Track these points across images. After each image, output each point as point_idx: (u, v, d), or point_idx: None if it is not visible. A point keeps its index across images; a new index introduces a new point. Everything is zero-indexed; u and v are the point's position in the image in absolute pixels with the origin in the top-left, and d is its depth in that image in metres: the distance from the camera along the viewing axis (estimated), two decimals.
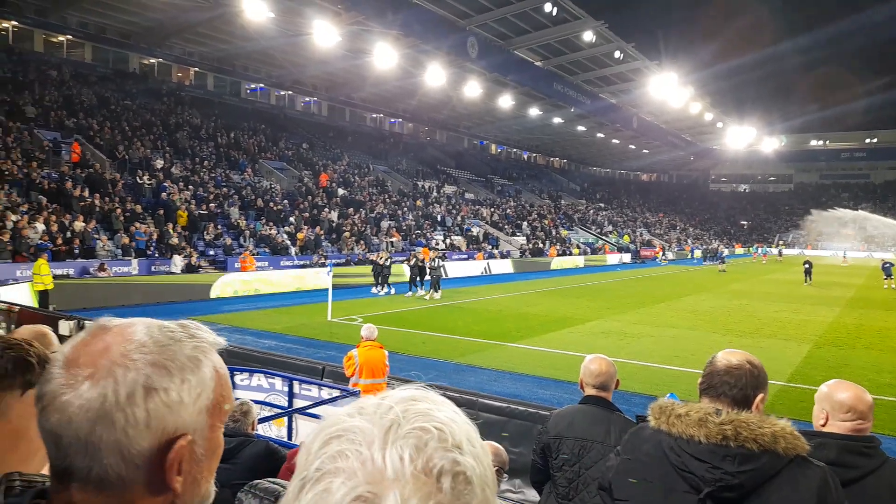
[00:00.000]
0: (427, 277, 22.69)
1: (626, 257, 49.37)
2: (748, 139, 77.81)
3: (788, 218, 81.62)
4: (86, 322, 10.76)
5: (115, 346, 0.75)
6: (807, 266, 31.65)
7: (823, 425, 2.30)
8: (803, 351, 13.45)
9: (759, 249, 62.68)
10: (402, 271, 25.15)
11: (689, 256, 57.01)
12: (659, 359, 12.29)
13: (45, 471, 1.16)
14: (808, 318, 18.70)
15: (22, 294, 15.56)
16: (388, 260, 23.97)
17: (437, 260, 23.39)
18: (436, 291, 22.10)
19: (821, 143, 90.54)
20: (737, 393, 1.87)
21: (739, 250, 69.20)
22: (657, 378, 10.77)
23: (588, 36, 38.37)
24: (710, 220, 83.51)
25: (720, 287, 28.85)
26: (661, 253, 51.56)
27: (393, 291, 23.08)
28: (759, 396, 1.89)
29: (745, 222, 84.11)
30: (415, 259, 23.56)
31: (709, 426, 1.76)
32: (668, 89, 48.50)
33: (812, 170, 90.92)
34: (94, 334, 0.78)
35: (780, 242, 72.12)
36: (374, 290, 23.23)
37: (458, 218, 41.68)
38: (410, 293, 22.54)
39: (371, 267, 24.28)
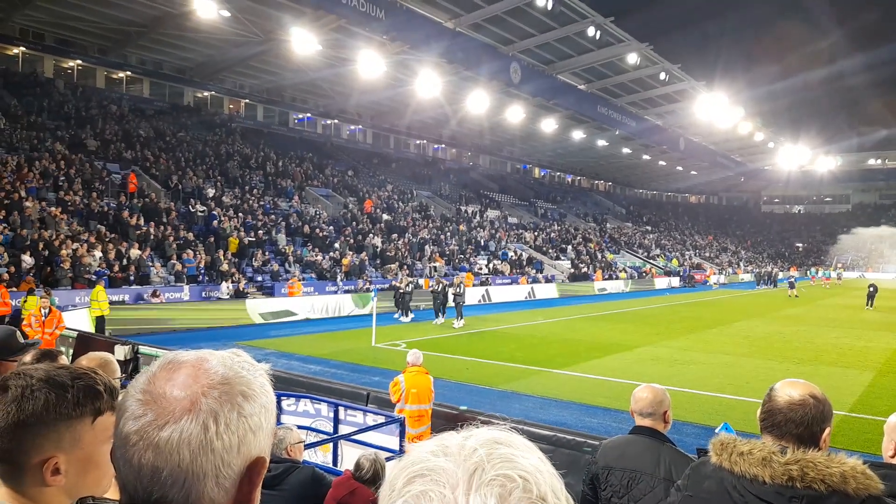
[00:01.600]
0: (450, 304, 21.88)
1: (675, 281, 48.24)
2: (801, 159, 75.48)
3: (846, 240, 78.50)
4: (140, 347, 11.09)
5: (201, 379, 0.79)
6: (871, 290, 30.13)
7: (893, 456, 2.20)
8: (866, 379, 12.80)
9: (819, 272, 60.30)
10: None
11: (744, 280, 55.30)
12: (711, 387, 11.87)
13: (111, 494, 1.19)
14: (870, 344, 17.82)
15: (81, 319, 16.18)
16: (410, 286, 23.52)
17: (461, 286, 22.23)
18: (459, 319, 21.17)
19: (879, 161, 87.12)
20: (802, 431, 1.80)
21: (794, 273, 66.82)
22: (709, 407, 10.39)
23: (632, 58, 38.15)
24: (762, 242, 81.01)
25: (774, 312, 27.84)
26: (712, 276, 50.20)
27: (411, 317, 22.61)
28: (826, 431, 1.82)
29: (799, 244, 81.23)
30: (441, 285, 22.69)
31: (773, 466, 1.70)
32: (716, 110, 47.62)
33: (871, 189, 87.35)
34: (172, 368, 0.81)
35: (839, 265, 69.31)
36: (396, 315, 22.82)
37: (502, 242, 41.59)
38: (437, 321, 21.80)
39: (392, 293, 23.83)
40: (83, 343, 11.82)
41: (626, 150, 61.40)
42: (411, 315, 22.90)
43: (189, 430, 0.75)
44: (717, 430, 1.97)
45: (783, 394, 1.88)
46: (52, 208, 21.71)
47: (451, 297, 21.86)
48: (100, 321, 16.52)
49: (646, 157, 65.02)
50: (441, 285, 22.57)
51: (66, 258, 18.97)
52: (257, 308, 21.45)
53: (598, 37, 34.89)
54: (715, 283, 48.68)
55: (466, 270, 33.43)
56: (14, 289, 16.75)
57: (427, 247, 34.94)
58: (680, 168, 72.64)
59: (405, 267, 30.54)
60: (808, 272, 62.77)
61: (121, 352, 10.71)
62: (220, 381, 0.79)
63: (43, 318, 11.79)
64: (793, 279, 41.42)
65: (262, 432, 0.81)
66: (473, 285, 31.77)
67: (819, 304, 32.48)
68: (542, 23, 33.79)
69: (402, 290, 23.11)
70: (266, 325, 20.59)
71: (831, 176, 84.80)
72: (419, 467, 0.54)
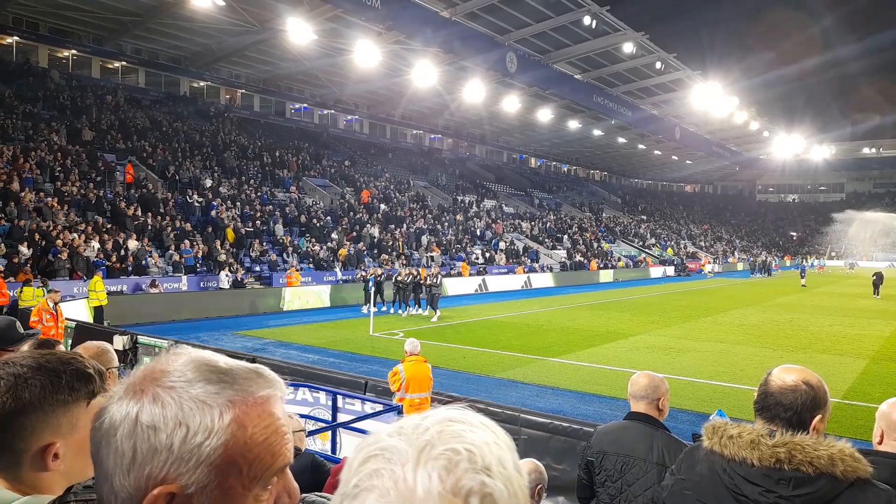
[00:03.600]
0: (422, 295, 20.95)
1: (670, 270, 48.45)
2: (796, 148, 75.65)
3: (840, 228, 78.82)
4: (139, 337, 11.17)
5: (148, 373, 0.73)
6: (875, 278, 29.73)
7: (879, 443, 2.25)
8: (859, 366, 12.96)
9: (813, 262, 60.65)
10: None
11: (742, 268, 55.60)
12: (706, 374, 12.02)
13: None
14: (864, 332, 18.00)
15: (78, 310, 16.22)
16: (381, 276, 22.35)
17: (438, 277, 20.99)
18: (435, 311, 20.28)
19: (873, 150, 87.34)
20: (791, 416, 1.81)
21: (788, 262, 67.18)
22: (704, 394, 10.54)
23: (628, 48, 38.10)
24: (757, 231, 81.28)
25: (768, 300, 28.03)
26: (707, 265, 50.45)
27: (384, 309, 21.42)
28: (817, 418, 1.82)
29: (794, 233, 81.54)
30: (411, 276, 21.29)
31: (761, 448, 1.72)
32: (711, 99, 47.71)
33: (865, 178, 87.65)
34: (155, 358, 0.77)
35: (833, 254, 69.63)
36: (363, 308, 21.31)
37: (498, 233, 41.67)
38: (403, 312, 20.92)
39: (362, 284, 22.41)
40: (82, 333, 11.89)
41: (621, 140, 61.40)
42: (381, 307, 21.37)
43: (107, 417, 0.71)
44: (711, 417, 2.03)
45: (777, 378, 1.88)
46: (49, 199, 21.68)
47: (423, 289, 20.84)
48: (98, 311, 16.57)
49: (641, 146, 65.05)
50: (410, 276, 21.33)
51: (64, 249, 18.99)
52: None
53: (593, 26, 34.83)
54: (710, 272, 48.91)
55: (462, 260, 33.55)
56: (11, 279, 16.78)
57: (424, 237, 35.01)
58: (675, 157, 72.71)
59: (403, 258, 30.62)
60: (808, 261, 62.82)
61: (119, 341, 10.79)
62: (158, 377, 0.72)
63: (53, 311, 11.82)
64: (804, 267, 41.08)
65: (176, 458, 0.68)
66: (470, 274, 31.90)
67: (812, 293, 32.68)
68: (538, 12, 33.70)
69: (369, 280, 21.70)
70: (264, 315, 20.67)
71: (826, 165, 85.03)
72: (374, 447, 0.57)
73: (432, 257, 32.61)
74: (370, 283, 20.36)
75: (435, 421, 0.59)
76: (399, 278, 21.57)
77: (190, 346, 0.82)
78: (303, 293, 23.18)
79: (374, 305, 20.67)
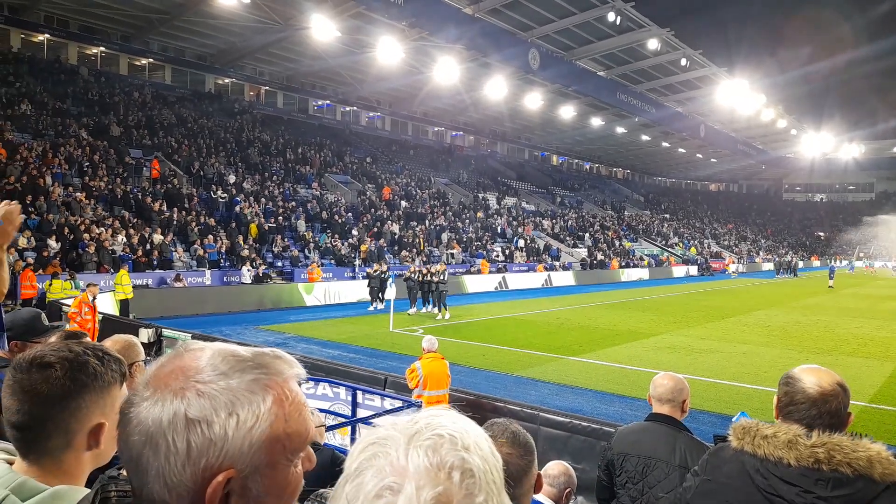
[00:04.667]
0: (421, 294, 20.33)
1: (693, 270, 47.88)
2: (825, 146, 74.13)
3: (869, 229, 77.21)
4: (163, 330, 11.34)
5: (178, 372, 0.77)
6: None
7: None
8: (887, 370, 12.69)
9: (854, 263, 59.53)
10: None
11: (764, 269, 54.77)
12: (728, 376, 11.86)
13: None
14: (893, 334, 17.62)
15: (105, 303, 16.51)
16: (387, 273, 21.84)
17: (444, 274, 20.13)
18: (443, 310, 19.65)
19: None
20: (835, 421, 1.79)
21: (816, 263, 66.00)
22: (726, 396, 10.40)
23: (653, 44, 37.62)
24: (782, 230, 79.95)
25: (794, 301, 27.56)
26: (731, 265, 49.75)
27: (381, 307, 20.79)
28: (851, 417, 1.82)
29: (821, 233, 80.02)
30: (419, 274, 20.67)
31: (799, 448, 1.70)
32: (738, 96, 46.90)
33: (895, 178, 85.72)
34: (171, 357, 0.80)
35: (861, 255, 68.24)
36: (370, 307, 21.18)
37: (519, 230, 41.54)
38: (414, 310, 20.17)
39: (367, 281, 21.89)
40: (108, 325, 12.10)
41: (645, 138, 60.76)
42: (387, 304, 20.20)
43: (141, 418, 0.74)
44: (734, 419, 2.00)
45: (812, 384, 1.84)
46: (78, 193, 22.10)
47: (432, 287, 20.09)
48: (124, 304, 16.87)
49: (665, 144, 64.30)
50: (416, 274, 20.66)
51: (91, 243, 19.34)
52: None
53: (618, 22, 34.44)
54: (733, 272, 48.23)
55: (483, 257, 33.50)
56: (40, 272, 17.16)
57: (444, 234, 35.03)
58: (700, 156, 71.75)
59: (421, 255, 30.67)
60: (848, 262, 61.58)
61: (144, 334, 10.97)
62: (192, 376, 0.76)
63: (92, 305, 12.02)
64: (833, 268, 39.90)
65: (233, 445, 0.73)
66: (490, 272, 31.84)
67: (840, 294, 32.05)
68: (562, 8, 33.46)
69: (375, 277, 21.50)
70: (286, 310, 20.86)
71: (855, 164, 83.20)
72: (372, 438, 0.67)
73: (452, 254, 32.63)
74: (386, 280, 20.47)
75: (424, 416, 0.69)
76: (407, 276, 21.09)
77: (199, 341, 0.86)
78: (324, 289, 23.34)
79: (382, 303, 20.80)
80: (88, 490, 1.02)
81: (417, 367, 7.28)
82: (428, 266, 22.23)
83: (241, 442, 0.74)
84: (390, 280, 19.80)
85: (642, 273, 41.96)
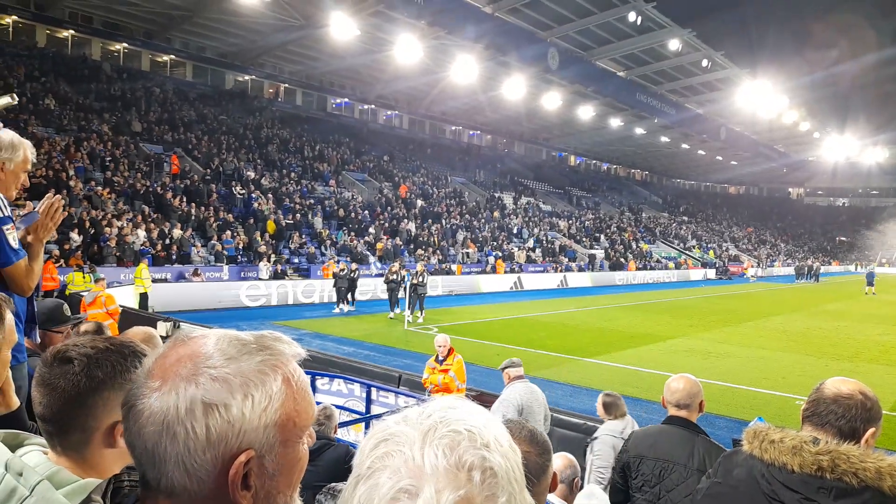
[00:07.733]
0: (401, 296, 19.05)
1: (711, 273, 47.41)
2: (848, 150, 72.95)
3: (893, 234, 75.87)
4: (181, 323, 11.47)
5: (185, 360, 0.78)
6: None
7: None
8: None
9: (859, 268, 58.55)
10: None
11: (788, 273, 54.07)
12: (746, 381, 11.71)
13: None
14: None
15: (125, 296, 16.73)
16: (357, 273, 20.72)
17: (423, 276, 18.66)
18: (420, 312, 18.55)
19: None
20: (844, 424, 1.76)
21: (837, 267, 65.00)
22: (744, 401, 10.27)
23: (674, 45, 37.29)
24: (803, 235, 78.85)
25: (814, 306, 27.16)
26: (749, 269, 49.16)
27: (353, 308, 20.12)
28: (870, 431, 1.77)
29: (843, 238, 78.81)
30: (398, 275, 19.41)
31: (803, 455, 1.67)
32: (760, 98, 46.31)
33: None
34: (172, 346, 0.81)
35: (884, 260, 67.12)
36: (335, 309, 19.99)
37: (535, 230, 41.41)
38: (395, 313, 19.12)
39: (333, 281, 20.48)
40: (127, 318, 12.25)
41: (664, 139, 60.24)
42: (353, 305, 20.35)
43: (153, 409, 0.75)
44: (750, 424, 1.97)
45: (832, 387, 1.84)
46: (99, 188, 22.41)
47: (408, 288, 18.66)
48: (143, 297, 17.08)
49: (685, 146, 63.70)
50: (397, 275, 19.39)
51: (112, 236, 19.59)
52: None
53: (638, 22, 34.18)
54: (752, 276, 47.67)
55: (498, 257, 33.42)
56: (62, 264, 17.42)
57: (459, 233, 35.01)
58: (720, 158, 70.97)
59: (431, 255, 30.67)
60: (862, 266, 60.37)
61: (163, 327, 11.11)
62: (201, 362, 0.77)
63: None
64: (873, 274, 36.25)
65: (250, 425, 0.75)
66: (505, 272, 31.78)
67: (861, 300, 31.51)
68: (582, 7, 33.26)
69: (341, 277, 20.18)
70: (301, 306, 20.96)
71: (879, 168, 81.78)
72: (383, 433, 0.63)
73: (467, 253, 32.60)
74: (355, 280, 20.26)
75: (435, 409, 0.65)
76: (388, 277, 19.58)
77: (198, 329, 0.86)
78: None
79: (351, 305, 20.03)
80: None
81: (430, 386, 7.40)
82: (406, 268, 21.09)
83: (257, 422, 0.76)
84: (407, 277, 19.40)
85: (659, 275, 41.63)
